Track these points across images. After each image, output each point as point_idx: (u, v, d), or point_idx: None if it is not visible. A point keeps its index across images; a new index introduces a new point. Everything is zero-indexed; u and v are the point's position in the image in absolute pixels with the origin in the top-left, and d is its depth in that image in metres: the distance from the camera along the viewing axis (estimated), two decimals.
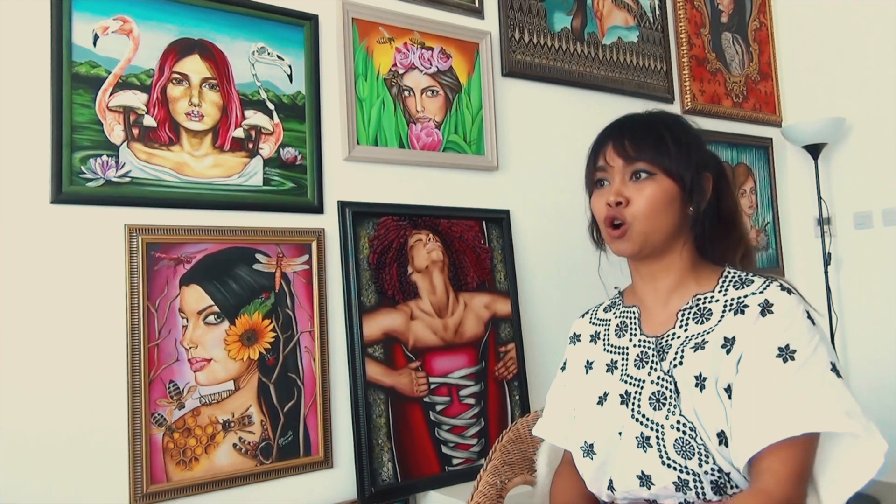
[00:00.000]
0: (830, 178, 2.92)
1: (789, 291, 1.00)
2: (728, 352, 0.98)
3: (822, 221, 2.82)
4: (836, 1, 2.91)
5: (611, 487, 1.05)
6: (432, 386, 1.90)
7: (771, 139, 3.02)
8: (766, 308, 0.97)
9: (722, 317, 1.01)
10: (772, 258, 2.97)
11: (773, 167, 3.01)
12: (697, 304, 1.05)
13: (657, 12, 2.67)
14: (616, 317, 1.16)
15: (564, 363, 1.24)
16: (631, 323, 1.12)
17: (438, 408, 1.90)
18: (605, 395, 1.08)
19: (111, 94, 1.58)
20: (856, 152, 2.85)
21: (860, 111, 2.82)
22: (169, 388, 1.57)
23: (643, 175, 1.04)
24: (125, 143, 1.58)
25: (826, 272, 2.79)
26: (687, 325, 1.04)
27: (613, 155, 1.06)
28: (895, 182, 2.72)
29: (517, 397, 2.04)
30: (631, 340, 1.10)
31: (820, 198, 2.81)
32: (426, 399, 1.89)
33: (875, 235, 2.79)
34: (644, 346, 1.07)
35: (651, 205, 1.03)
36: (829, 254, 2.81)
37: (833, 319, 2.75)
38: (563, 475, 1.17)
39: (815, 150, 2.78)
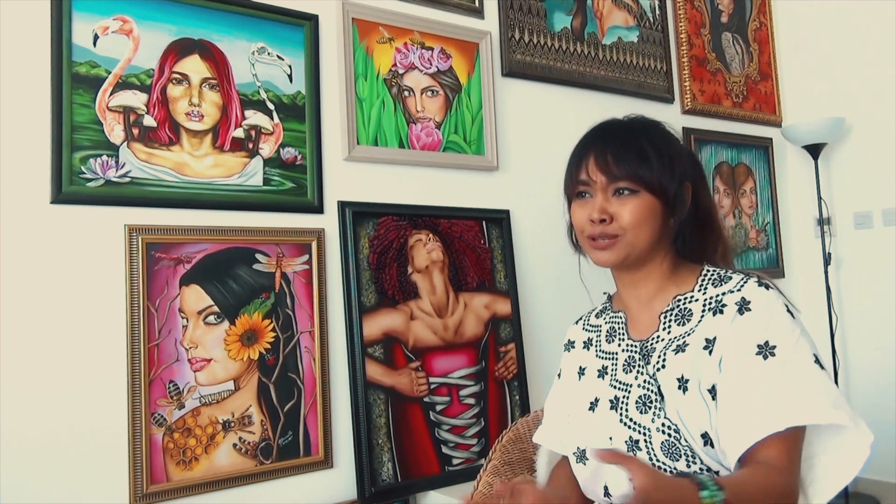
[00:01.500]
0: (830, 178, 2.92)
1: (767, 287, 0.99)
2: (710, 353, 0.98)
3: (822, 221, 2.82)
4: (836, 1, 2.91)
5: (607, 494, 1.05)
6: (432, 386, 1.91)
7: (771, 139, 3.02)
8: (743, 306, 0.97)
9: (702, 317, 1.01)
10: (772, 258, 2.97)
11: (773, 167, 3.01)
12: (678, 305, 1.05)
13: (657, 12, 2.67)
14: (606, 322, 1.17)
15: (560, 371, 1.24)
16: (619, 328, 1.13)
17: (438, 408, 1.90)
18: (596, 400, 1.09)
19: (111, 94, 1.58)
20: (856, 152, 2.85)
21: (860, 111, 2.82)
22: (169, 388, 1.57)
23: (626, 192, 1.04)
24: (125, 143, 1.58)
25: (826, 272, 2.79)
26: (669, 327, 1.04)
27: (596, 170, 1.06)
28: (895, 182, 2.72)
29: (517, 397, 2.04)
30: (619, 345, 1.11)
31: (820, 198, 2.81)
32: (426, 399, 1.89)
33: (875, 235, 2.79)
34: (631, 351, 1.08)
35: (636, 219, 1.03)
36: (829, 254, 2.81)
37: (833, 319, 2.75)
38: (563, 466, 1.18)
39: (815, 150, 2.78)
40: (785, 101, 3.11)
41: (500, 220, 2.14)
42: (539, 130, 2.30)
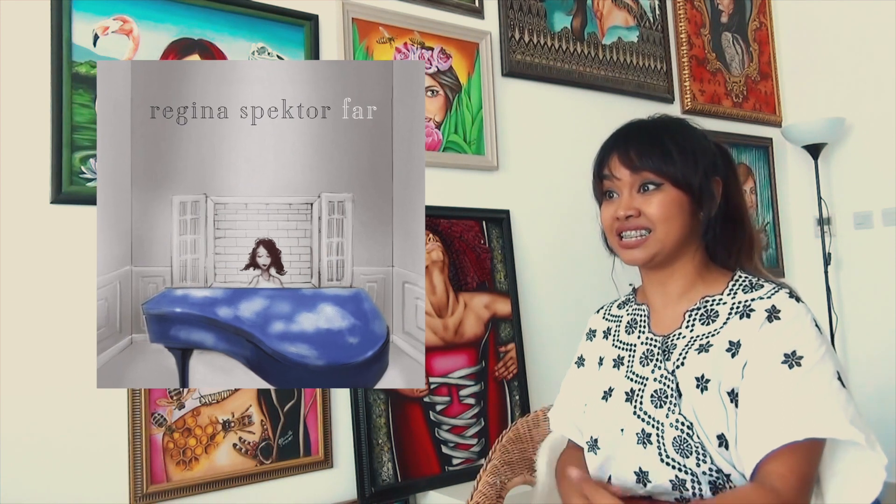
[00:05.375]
0: (830, 178, 2.92)
1: (797, 299, 1.00)
2: (733, 356, 0.98)
3: (822, 221, 2.82)
4: (836, 1, 2.91)
5: (609, 482, 1.05)
6: (432, 386, 1.90)
7: (771, 139, 3.02)
8: (772, 314, 0.97)
9: (728, 319, 1.01)
10: (772, 258, 2.97)
11: (773, 167, 3.01)
12: (705, 306, 1.05)
13: (657, 12, 2.67)
14: (628, 313, 1.18)
15: (581, 358, 1.24)
16: (640, 320, 1.13)
17: (438, 408, 1.90)
18: (611, 390, 1.10)
19: None
20: (856, 152, 2.85)
21: (860, 111, 2.82)
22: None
23: (651, 187, 1.04)
24: None
25: (826, 272, 2.79)
26: (693, 325, 1.05)
27: (619, 166, 1.07)
28: (895, 182, 2.72)
29: (517, 397, 2.04)
30: (639, 338, 1.11)
31: (820, 198, 2.81)
32: (426, 399, 1.89)
33: (875, 235, 2.79)
34: (650, 345, 1.08)
35: (663, 213, 1.03)
36: (829, 254, 2.81)
37: (833, 319, 2.75)
38: (569, 456, 1.19)
39: (815, 150, 2.78)
40: (785, 101, 3.11)
41: (500, 220, 2.14)
42: (539, 130, 2.30)
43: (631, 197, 1.05)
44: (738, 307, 1.02)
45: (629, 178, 1.06)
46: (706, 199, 1.05)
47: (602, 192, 1.11)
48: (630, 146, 1.06)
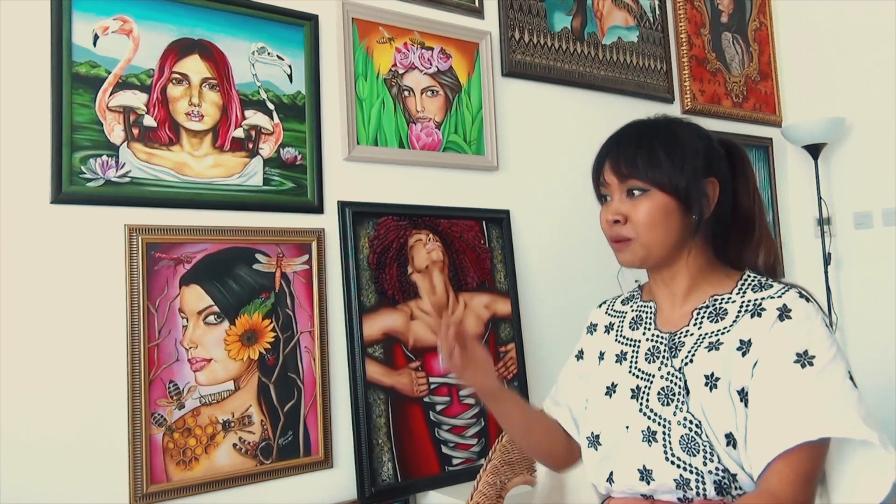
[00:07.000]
0: (830, 178, 2.92)
1: (807, 299, 1.00)
2: (744, 354, 0.98)
3: (822, 221, 2.82)
4: (836, 1, 2.91)
5: (610, 480, 1.05)
6: (432, 386, 1.91)
7: (771, 139, 3.02)
8: (784, 313, 0.97)
9: (737, 317, 1.01)
10: None
11: (773, 167, 3.01)
12: (714, 304, 1.05)
13: (657, 12, 2.67)
14: (633, 310, 1.17)
15: (581, 352, 1.24)
16: (646, 317, 1.13)
17: (438, 408, 1.90)
18: (614, 386, 1.09)
19: (111, 94, 1.58)
20: (856, 152, 2.85)
21: (860, 111, 2.82)
22: (169, 388, 1.57)
23: (636, 192, 1.05)
24: (125, 143, 1.58)
25: (826, 272, 2.79)
26: (701, 323, 1.05)
27: (610, 173, 1.08)
28: (895, 182, 2.72)
29: None
30: (644, 334, 1.11)
31: (820, 198, 2.81)
32: (426, 399, 1.89)
33: (875, 235, 2.79)
34: (656, 341, 1.08)
35: (648, 219, 1.03)
36: (829, 254, 2.81)
37: (833, 319, 2.75)
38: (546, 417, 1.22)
39: (815, 150, 2.79)
40: (785, 101, 3.11)
41: (500, 220, 2.14)
42: (539, 130, 2.30)
43: (620, 202, 1.06)
44: (747, 306, 1.01)
45: (618, 184, 1.07)
46: (695, 200, 1.05)
47: (599, 196, 1.13)
48: (620, 153, 1.07)
